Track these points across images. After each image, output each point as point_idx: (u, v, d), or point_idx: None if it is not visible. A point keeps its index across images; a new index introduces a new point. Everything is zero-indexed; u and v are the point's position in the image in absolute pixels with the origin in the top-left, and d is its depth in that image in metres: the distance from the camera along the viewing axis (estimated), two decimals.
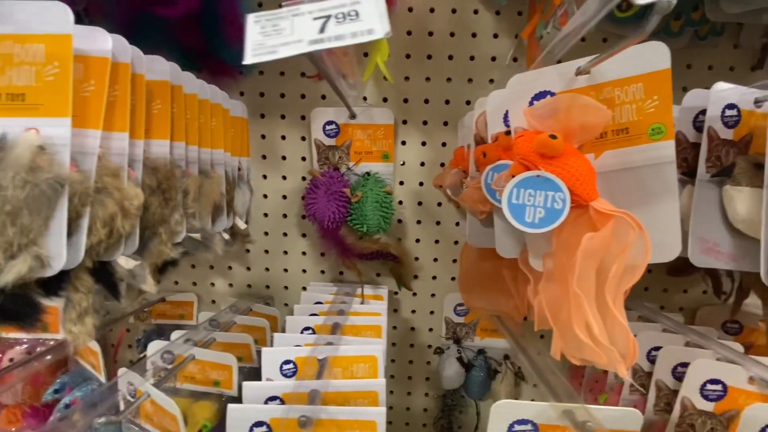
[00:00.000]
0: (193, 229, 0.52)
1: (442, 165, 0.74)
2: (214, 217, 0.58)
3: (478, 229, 0.59)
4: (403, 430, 0.87)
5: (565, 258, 0.41)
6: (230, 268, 0.81)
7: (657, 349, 0.53)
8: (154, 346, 0.55)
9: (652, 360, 0.55)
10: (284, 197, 0.77)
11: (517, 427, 0.42)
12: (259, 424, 0.39)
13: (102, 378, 0.58)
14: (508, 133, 0.47)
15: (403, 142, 0.73)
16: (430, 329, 0.82)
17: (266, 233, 0.79)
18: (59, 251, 0.32)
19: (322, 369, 0.46)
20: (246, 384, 0.43)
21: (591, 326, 0.36)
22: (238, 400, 0.56)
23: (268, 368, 0.48)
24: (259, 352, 0.57)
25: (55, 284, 0.37)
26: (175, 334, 0.58)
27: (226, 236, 0.61)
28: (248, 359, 0.61)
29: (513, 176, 0.41)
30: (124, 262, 0.42)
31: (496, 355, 0.80)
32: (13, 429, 0.73)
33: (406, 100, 0.71)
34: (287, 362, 0.50)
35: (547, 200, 0.39)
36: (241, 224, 0.68)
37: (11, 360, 0.73)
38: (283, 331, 0.60)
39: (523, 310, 0.60)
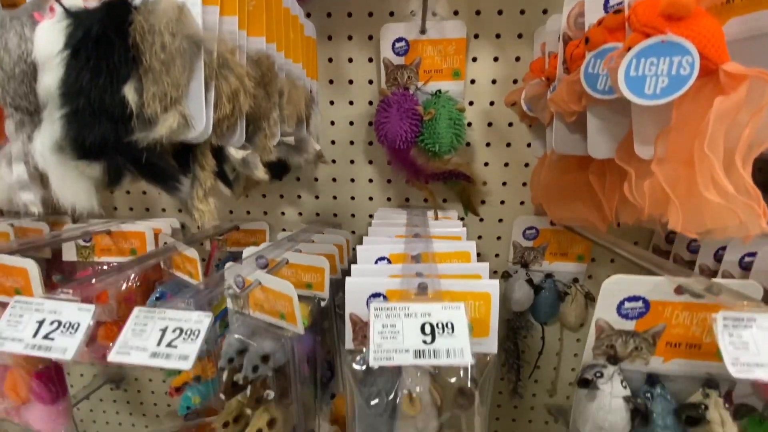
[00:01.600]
0: (285, 134, 0.53)
1: (515, 82, 0.71)
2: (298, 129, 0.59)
3: (565, 135, 0.57)
4: None
5: (685, 131, 0.40)
6: (299, 197, 0.83)
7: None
8: (249, 251, 0.58)
9: None
10: (351, 123, 0.77)
11: (627, 305, 0.42)
12: (376, 295, 0.40)
13: (201, 285, 0.61)
14: (617, 12, 0.44)
15: (474, 59, 0.71)
16: (497, 255, 0.83)
17: (334, 161, 0.80)
18: (200, 114, 0.34)
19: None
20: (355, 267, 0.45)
21: (724, 186, 0.35)
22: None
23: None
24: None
25: (186, 158, 0.38)
26: (248, 250, 0.58)
27: (317, 146, 0.62)
28: (333, 270, 0.63)
29: (629, 49, 0.39)
30: (235, 152, 0.43)
31: (564, 279, 0.80)
32: (111, 344, 0.80)
33: (478, 12, 0.68)
34: (381, 258, 0.52)
35: (671, 67, 0.37)
36: (316, 145, 0.69)
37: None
38: (355, 260, 0.61)
39: (608, 218, 0.59)
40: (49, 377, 0.60)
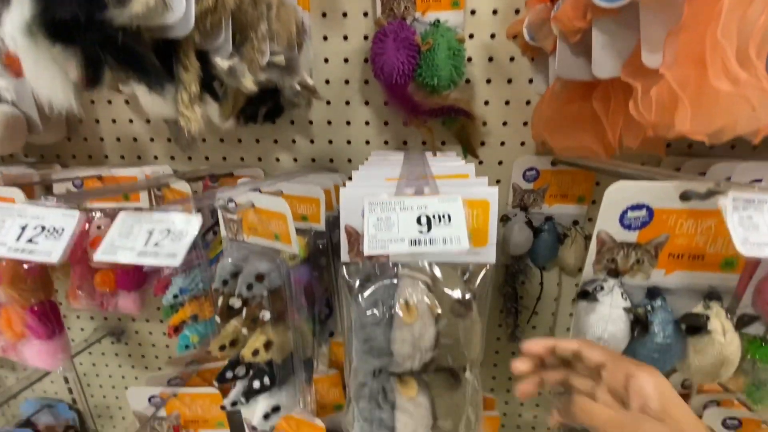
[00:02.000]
0: (275, 52, 0.51)
1: (517, 12, 0.68)
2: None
3: (569, 59, 0.55)
4: None
5: (696, 29, 0.37)
6: (294, 141, 0.81)
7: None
8: (242, 182, 0.57)
9: None
10: (346, 61, 0.74)
11: (630, 214, 0.41)
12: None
13: None
14: None
15: None
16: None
17: (328, 102, 0.77)
18: None
19: None
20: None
21: (736, 74, 0.33)
22: (325, 234, 0.58)
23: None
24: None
25: (167, 53, 0.36)
26: (241, 182, 0.57)
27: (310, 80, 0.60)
28: (329, 206, 0.62)
29: None
30: (221, 61, 0.41)
31: (564, 222, 0.79)
32: (108, 290, 0.79)
33: None
34: None
35: None
36: (309, 79, 0.66)
37: (99, 227, 0.77)
38: None
39: (611, 146, 0.57)
40: (44, 312, 0.60)
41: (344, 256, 0.40)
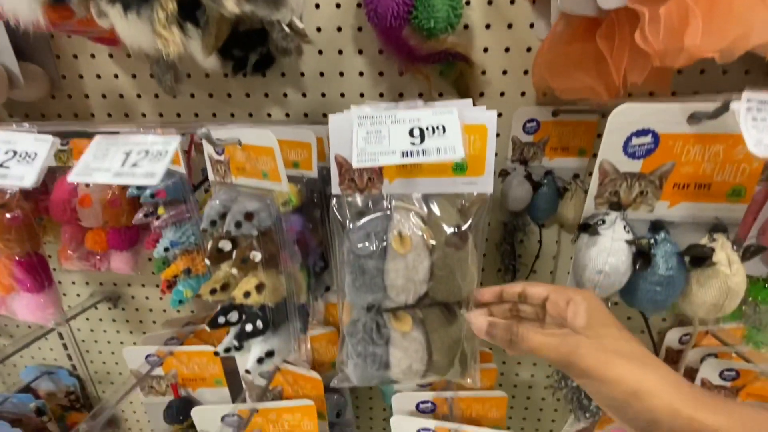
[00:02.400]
0: None
1: None
2: None
3: None
4: None
5: None
6: (285, 95, 0.78)
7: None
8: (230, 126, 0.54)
9: None
10: (338, 6, 0.71)
11: (635, 141, 0.39)
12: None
13: (182, 169, 0.58)
14: None
15: None
16: (495, 154, 0.79)
17: (320, 51, 0.74)
18: None
19: None
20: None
21: None
22: (318, 181, 0.56)
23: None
24: None
25: None
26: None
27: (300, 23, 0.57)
28: (322, 157, 0.60)
29: None
30: None
31: (564, 176, 0.77)
32: (99, 250, 0.78)
33: None
34: None
35: None
36: (299, 22, 0.63)
37: (87, 185, 0.75)
38: None
39: (615, 85, 0.55)
40: (31, 265, 0.58)
41: (335, 188, 0.39)
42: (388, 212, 0.39)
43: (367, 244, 0.37)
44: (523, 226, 0.81)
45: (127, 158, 0.32)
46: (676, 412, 0.27)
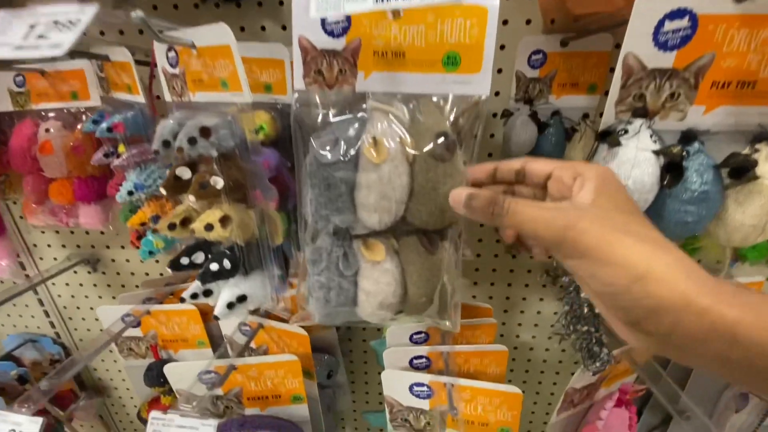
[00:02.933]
0: None
1: None
2: None
3: None
4: None
5: None
6: (263, 28, 0.70)
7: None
8: None
9: None
10: None
11: (668, 25, 0.32)
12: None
13: (141, 98, 0.51)
14: None
15: None
16: (497, 93, 0.72)
17: None
18: None
19: None
20: None
21: None
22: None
23: None
24: None
25: None
26: None
27: None
28: None
29: None
30: None
31: (573, 116, 0.70)
32: (66, 202, 0.72)
33: None
34: None
35: None
36: None
37: (47, 130, 0.68)
38: None
39: None
40: None
41: (298, 81, 0.32)
42: (363, 114, 0.32)
43: (334, 150, 0.31)
44: None
45: (32, 30, 0.25)
46: (687, 301, 0.22)
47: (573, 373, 1.01)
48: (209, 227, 0.39)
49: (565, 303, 0.48)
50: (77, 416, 1.16)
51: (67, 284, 1.03)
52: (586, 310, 0.45)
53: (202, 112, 0.40)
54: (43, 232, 0.96)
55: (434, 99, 0.32)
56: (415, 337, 0.66)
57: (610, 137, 0.34)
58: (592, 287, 0.25)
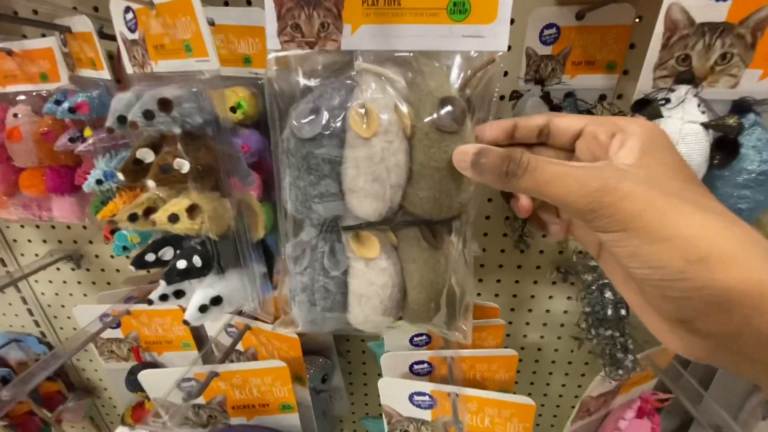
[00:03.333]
0: None
1: None
2: None
3: None
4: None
5: None
6: (227, 3, 0.64)
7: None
8: None
9: None
10: None
11: None
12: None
13: (107, 74, 0.46)
14: None
15: None
16: (505, 73, 0.66)
17: None
18: None
19: None
20: None
21: None
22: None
23: None
24: None
25: None
26: None
27: None
28: None
29: None
30: None
31: (589, 99, 0.64)
32: (38, 194, 0.67)
33: None
34: None
35: None
36: None
37: (15, 115, 0.63)
38: None
39: None
40: None
41: (271, 40, 0.26)
42: (351, 79, 0.27)
43: (314, 122, 0.25)
44: None
45: None
46: (766, 290, 0.16)
47: (583, 375, 0.95)
48: (174, 218, 0.33)
49: (585, 304, 0.42)
50: (66, 418, 1.11)
51: (50, 281, 0.99)
52: (610, 311, 0.39)
53: (168, 84, 0.35)
54: (22, 227, 0.91)
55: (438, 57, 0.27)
56: (415, 339, 0.61)
57: (649, 107, 0.28)
58: (633, 270, 0.20)
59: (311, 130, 0.26)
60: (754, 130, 0.28)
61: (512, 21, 0.61)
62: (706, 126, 0.27)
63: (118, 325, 0.69)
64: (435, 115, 0.25)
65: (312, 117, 0.26)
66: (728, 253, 0.17)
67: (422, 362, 0.56)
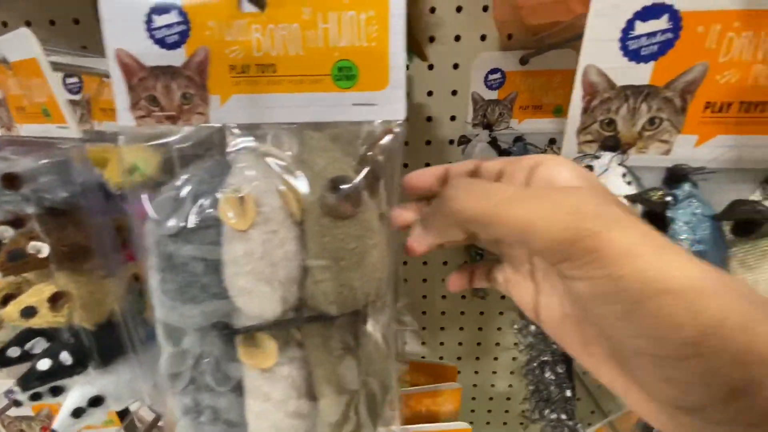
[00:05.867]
0: None
1: None
2: None
3: None
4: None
5: None
6: None
7: None
8: None
9: None
10: None
11: (640, 26, 0.23)
12: None
13: None
14: None
15: None
16: (453, 117, 0.63)
17: None
18: None
19: None
20: None
21: None
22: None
23: None
24: None
25: None
26: None
27: None
28: None
29: None
30: None
31: (538, 142, 0.62)
32: None
33: None
34: None
35: None
36: None
37: None
38: None
39: None
40: None
41: (122, 114, 0.22)
42: (225, 157, 0.22)
43: (177, 213, 0.21)
44: None
45: None
46: (737, 323, 0.13)
47: None
48: (28, 312, 0.28)
49: (528, 382, 0.38)
50: None
51: None
52: (554, 391, 0.34)
53: (35, 149, 0.29)
54: None
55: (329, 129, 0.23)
56: None
57: None
58: (624, 341, 0.15)
59: (175, 225, 0.21)
60: (690, 203, 0.25)
61: (456, 65, 0.59)
62: (632, 199, 0.24)
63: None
64: (324, 199, 0.21)
65: (174, 208, 0.21)
66: (696, 283, 0.14)
67: None
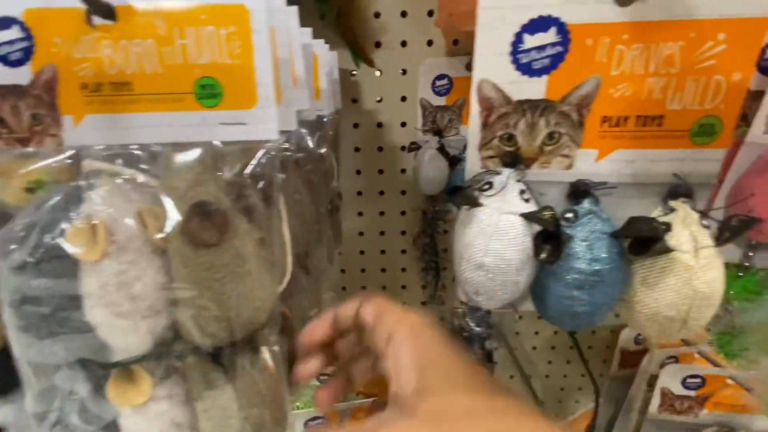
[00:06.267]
0: None
1: None
2: None
3: None
4: (378, 258, 0.71)
5: None
6: None
7: None
8: None
9: None
10: None
11: (528, 40, 0.22)
12: None
13: None
14: None
15: None
16: (403, 124, 0.62)
17: None
18: None
19: None
20: None
21: None
22: None
23: None
24: None
25: None
26: None
27: None
28: None
29: None
30: None
31: None
32: None
33: None
34: None
35: None
36: None
37: None
38: None
39: None
40: None
41: None
42: (78, 183, 0.21)
43: (24, 245, 0.19)
44: (443, 213, 0.65)
45: None
46: None
47: None
48: None
49: None
50: None
51: None
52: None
53: None
54: None
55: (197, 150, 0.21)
56: (310, 424, 0.53)
57: (463, 195, 0.24)
58: None
59: (19, 257, 0.19)
60: (589, 220, 0.24)
61: (404, 71, 0.58)
62: (527, 217, 0.23)
63: None
64: (183, 226, 0.20)
65: (22, 239, 0.20)
66: None
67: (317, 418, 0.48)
